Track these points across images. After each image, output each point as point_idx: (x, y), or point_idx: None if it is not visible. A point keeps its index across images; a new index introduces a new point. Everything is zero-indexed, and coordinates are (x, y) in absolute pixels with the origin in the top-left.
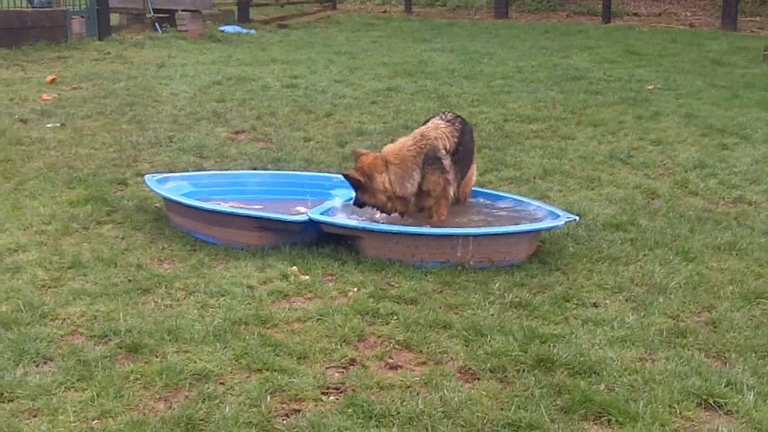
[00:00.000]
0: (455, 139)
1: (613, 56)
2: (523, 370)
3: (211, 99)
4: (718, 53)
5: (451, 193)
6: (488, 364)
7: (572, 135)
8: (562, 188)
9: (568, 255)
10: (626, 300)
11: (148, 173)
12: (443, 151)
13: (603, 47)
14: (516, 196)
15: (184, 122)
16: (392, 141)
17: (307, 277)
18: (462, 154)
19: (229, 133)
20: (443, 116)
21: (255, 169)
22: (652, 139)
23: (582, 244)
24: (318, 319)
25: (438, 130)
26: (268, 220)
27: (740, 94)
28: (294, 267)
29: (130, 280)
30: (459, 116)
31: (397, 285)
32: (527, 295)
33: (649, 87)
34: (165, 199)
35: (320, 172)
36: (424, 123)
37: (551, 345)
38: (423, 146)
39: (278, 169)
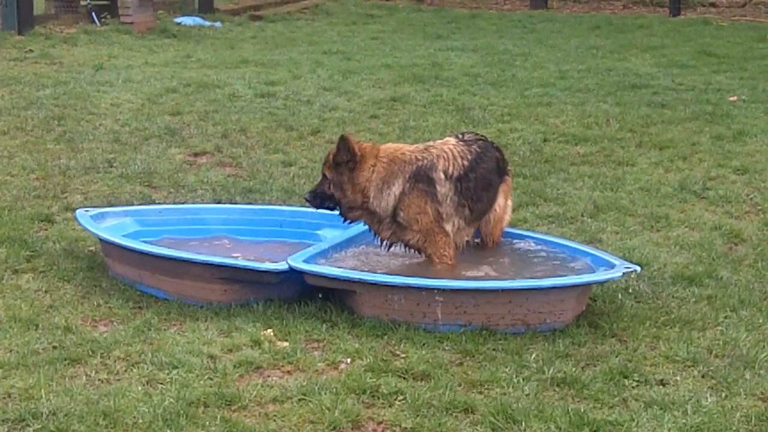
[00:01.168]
0: (465, 163)
1: (683, 59)
2: None
3: (164, 111)
4: None
5: (449, 230)
6: None
7: (631, 160)
8: (618, 229)
9: (627, 317)
10: (702, 376)
11: (80, 207)
12: (441, 174)
13: (671, 47)
14: (558, 239)
15: (129, 141)
16: None
17: (285, 343)
18: (475, 183)
19: (186, 155)
20: (460, 134)
21: (219, 202)
22: (736, 166)
23: (645, 302)
24: (300, 400)
25: (445, 146)
26: (236, 269)
27: None
28: (269, 330)
29: (55, 347)
30: (482, 138)
31: (403, 355)
32: (573, 369)
33: (732, 99)
34: (102, 240)
35: (304, 206)
36: None
37: None
38: (419, 158)
39: (249, 203)
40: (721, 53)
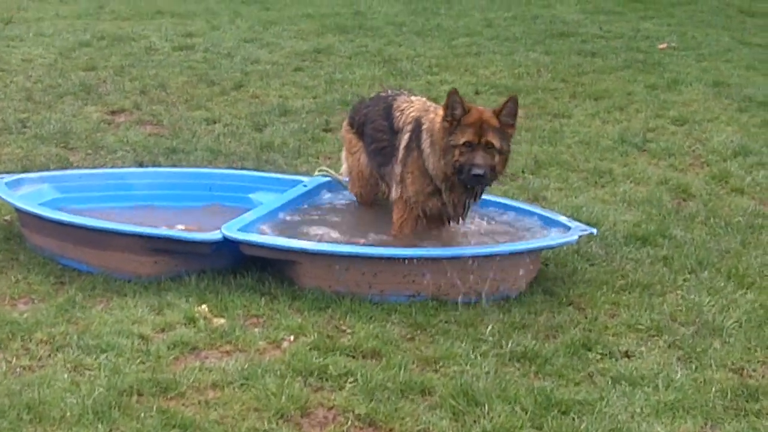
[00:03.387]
0: None
1: (609, 5)
2: None
3: (78, 67)
4: (746, 0)
5: None
6: None
7: (567, 112)
8: (562, 186)
9: (582, 282)
10: (669, 346)
11: None
12: None
13: None
14: (503, 200)
15: (42, 99)
16: (327, 122)
17: (222, 320)
18: None
19: (103, 113)
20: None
21: (141, 164)
22: (674, 116)
23: (599, 265)
24: (242, 384)
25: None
26: (166, 239)
27: None
28: (204, 306)
29: None
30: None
31: (349, 330)
32: (532, 342)
33: (662, 46)
34: (18, 210)
35: (233, 167)
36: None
37: (575, 417)
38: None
39: (174, 165)
40: None
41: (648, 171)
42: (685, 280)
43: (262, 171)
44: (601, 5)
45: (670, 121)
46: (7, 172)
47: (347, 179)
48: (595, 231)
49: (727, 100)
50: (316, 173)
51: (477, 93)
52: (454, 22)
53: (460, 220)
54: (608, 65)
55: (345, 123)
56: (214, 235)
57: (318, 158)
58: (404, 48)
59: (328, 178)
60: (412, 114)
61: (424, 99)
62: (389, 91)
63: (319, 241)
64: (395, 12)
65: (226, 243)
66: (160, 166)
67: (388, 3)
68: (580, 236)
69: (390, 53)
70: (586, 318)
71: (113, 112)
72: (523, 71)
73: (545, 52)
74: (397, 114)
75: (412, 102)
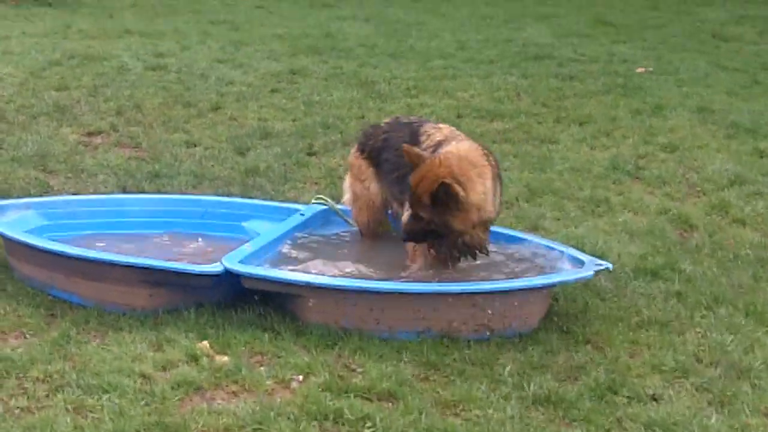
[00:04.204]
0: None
1: (580, 27)
2: None
3: (50, 86)
4: (717, 23)
5: None
6: None
7: (553, 137)
8: (559, 215)
9: (596, 319)
10: (696, 389)
11: None
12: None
13: (564, 16)
14: (511, 232)
15: (16, 120)
16: (310, 145)
17: (225, 358)
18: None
19: (80, 135)
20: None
21: (125, 189)
22: (663, 143)
23: (610, 300)
24: (255, 430)
25: (477, 150)
26: (165, 271)
27: (761, 80)
28: (205, 342)
29: None
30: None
31: (360, 369)
32: (554, 384)
33: (640, 70)
34: (4, 238)
35: (222, 194)
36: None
37: None
38: (488, 155)
39: (159, 191)
40: (618, 22)
41: (645, 200)
42: (702, 317)
43: (255, 198)
44: (573, 28)
45: (659, 148)
46: None
47: (347, 208)
48: (610, 266)
49: (714, 126)
50: (313, 201)
51: (459, 117)
52: (426, 44)
53: (470, 258)
54: (588, 89)
55: (354, 150)
56: (215, 268)
57: (305, 183)
58: (379, 70)
59: (325, 207)
60: (437, 137)
61: (452, 127)
62: (411, 117)
63: (324, 275)
64: (365, 34)
65: (227, 276)
66: (144, 191)
67: (357, 25)
68: (596, 272)
69: (366, 75)
70: (606, 358)
71: (90, 134)
72: (502, 95)
73: (522, 75)
74: (424, 138)
75: (440, 128)
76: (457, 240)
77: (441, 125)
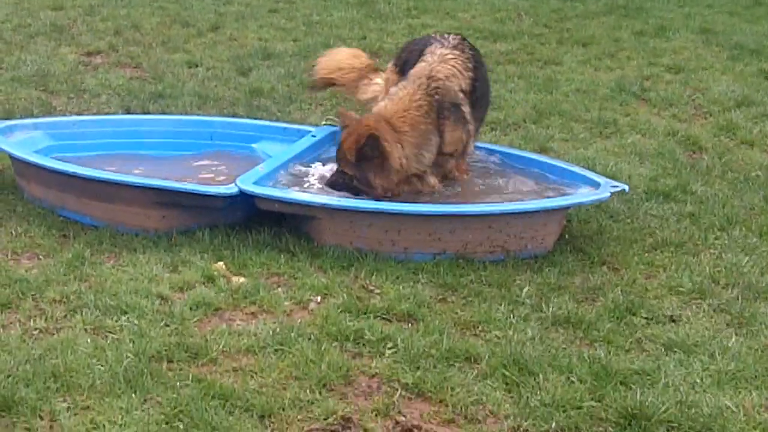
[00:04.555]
0: (471, 74)
1: None
2: None
3: (45, 5)
4: None
5: (472, 149)
6: (552, 425)
7: (557, 59)
8: (567, 136)
9: (610, 240)
10: (714, 311)
11: None
12: (460, 94)
13: None
14: (522, 153)
15: (13, 39)
16: (313, 66)
17: (242, 279)
18: (480, 93)
19: (79, 54)
20: (443, 40)
21: (129, 110)
22: (667, 64)
23: (623, 222)
24: (277, 350)
25: (447, 63)
26: (178, 192)
27: (763, 0)
28: (220, 263)
29: None
30: (463, 39)
31: (377, 291)
32: (572, 304)
33: None
34: (13, 158)
35: (229, 115)
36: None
37: (636, 389)
38: (433, 93)
39: (164, 111)
40: None
41: (652, 122)
42: (716, 239)
43: (264, 119)
44: None
45: (664, 69)
46: None
47: None
48: (626, 188)
49: (717, 47)
50: (323, 123)
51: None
52: None
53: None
54: (590, 10)
55: (390, 63)
56: (230, 189)
57: (311, 105)
58: None
59: (336, 128)
60: (421, 65)
61: (446, 52)
62: (437, 35)
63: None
64: None
65: (241, 197)
66: (148, 112)
67: None
68: (612, 193)
69: None
70: (622, 279)
71: (89, 54)
72: (504, 15)
73: None
74: (425, 56)
75: (435, 52)
76: (395, 189)
77: (444, 50)
